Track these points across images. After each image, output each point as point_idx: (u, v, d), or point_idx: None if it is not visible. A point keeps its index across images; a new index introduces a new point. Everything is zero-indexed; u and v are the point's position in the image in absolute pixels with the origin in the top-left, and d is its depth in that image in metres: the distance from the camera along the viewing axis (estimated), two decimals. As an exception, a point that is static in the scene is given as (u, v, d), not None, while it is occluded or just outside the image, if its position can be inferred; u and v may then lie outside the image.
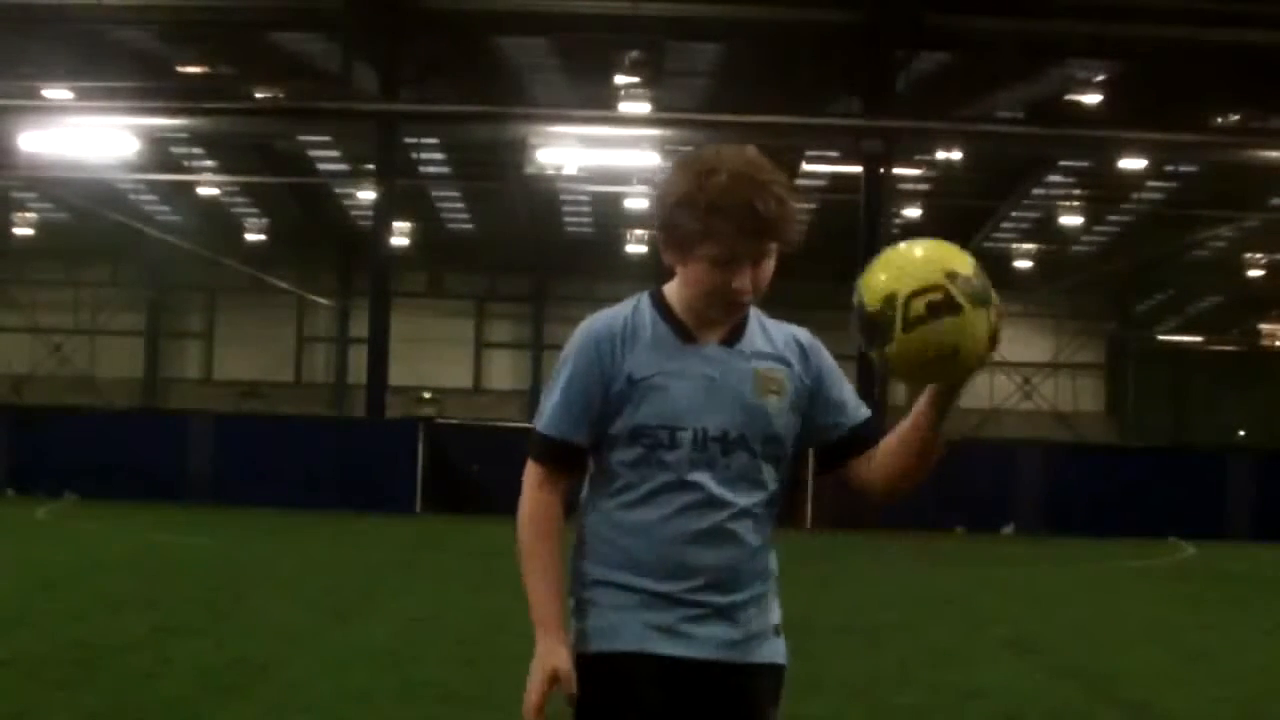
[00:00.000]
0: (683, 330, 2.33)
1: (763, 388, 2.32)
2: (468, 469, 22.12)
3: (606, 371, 2.30)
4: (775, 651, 2.36)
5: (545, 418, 2.33)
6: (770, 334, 2.40)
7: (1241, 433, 44.39)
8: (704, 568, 2.27)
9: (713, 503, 2.27)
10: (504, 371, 44.78)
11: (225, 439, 22.59)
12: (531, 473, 2.34)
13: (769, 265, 2.32)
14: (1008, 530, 21.98)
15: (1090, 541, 20.03)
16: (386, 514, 20.72)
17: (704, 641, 2.28)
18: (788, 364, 2.37)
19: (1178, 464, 24.57)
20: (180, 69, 25.75)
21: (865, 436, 2.40)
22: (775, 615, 2.38)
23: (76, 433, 22.66)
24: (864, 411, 2.43)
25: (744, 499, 2.30)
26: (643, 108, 24.88)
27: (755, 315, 2.40)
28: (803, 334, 2.44)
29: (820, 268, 38.33)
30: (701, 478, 2.27)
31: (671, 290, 2.37)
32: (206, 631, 8.35)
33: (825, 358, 2.42)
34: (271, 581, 11.53)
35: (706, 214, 2.24)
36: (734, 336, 2.35)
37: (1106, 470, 23.18)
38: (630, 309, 2.37)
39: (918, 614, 10.71)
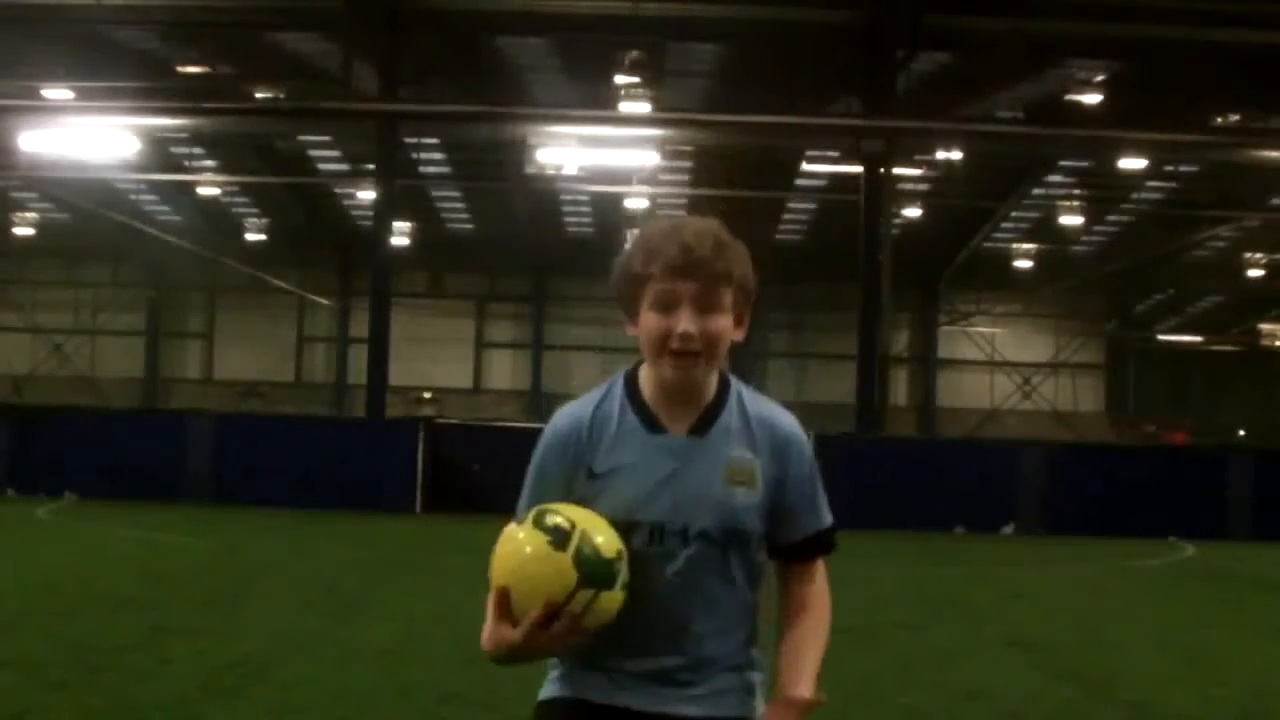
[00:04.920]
0: (650, 419, 2.28)
1: (731, 478, 2.25)
2: (468, 469, 22.11)
3: (567, 470, 2.28)
4: (742, 706, 2.29)
5: (518, 509, 2.34)
6: (749, 419, 2.30)
7: (1241, 433, 44.41)
8: (656, 660, 2.25)
9: (663, 599, 2.23)
10: (504, 371, 44.81)
11: (225, 439, 22.55)
12: None
13: (722, 319, 2.23)
14: (1008, 530, 21.97)
15: (1090, 541, 20.01)
16: (386, 514, 20.71)
17: (650, 696, 2.25)
18: (761, 454, 2.28)
19: (1178, 464, 24.54)
20: (180, 69, 25.75)
21: (802, 552, 2.34)
22: (745, 689, 2.31)
23: (76, 433, 22.62)
24: (812, 526, 2.33)
25: (703, 594, 2.25)
26: (643, 108, 24.86)
27: (735, 396, 2.32)
28: (784, 424, 2.32)
29: (820, 268, 38.63)
30: (655, 574, 2.23)
31: (645, 374, 2.32)
32: (206, 631, 8.35)
33: (798, 459, 2.31)
34: (271, 581, 11.53)
35: (644, 258, 2.24)
36: (705, 424, 2.28)
37: (1106, 470, 23.16)
38: (601, 396, 2.33)
39: (918, 614, 10.72)
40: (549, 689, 2.35)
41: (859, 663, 7.92)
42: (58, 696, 6.18)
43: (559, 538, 2.13)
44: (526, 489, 2.34)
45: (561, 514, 2.18)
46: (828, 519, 2.36)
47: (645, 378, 2.31)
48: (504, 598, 2.18)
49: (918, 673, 7.75)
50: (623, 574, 2.16)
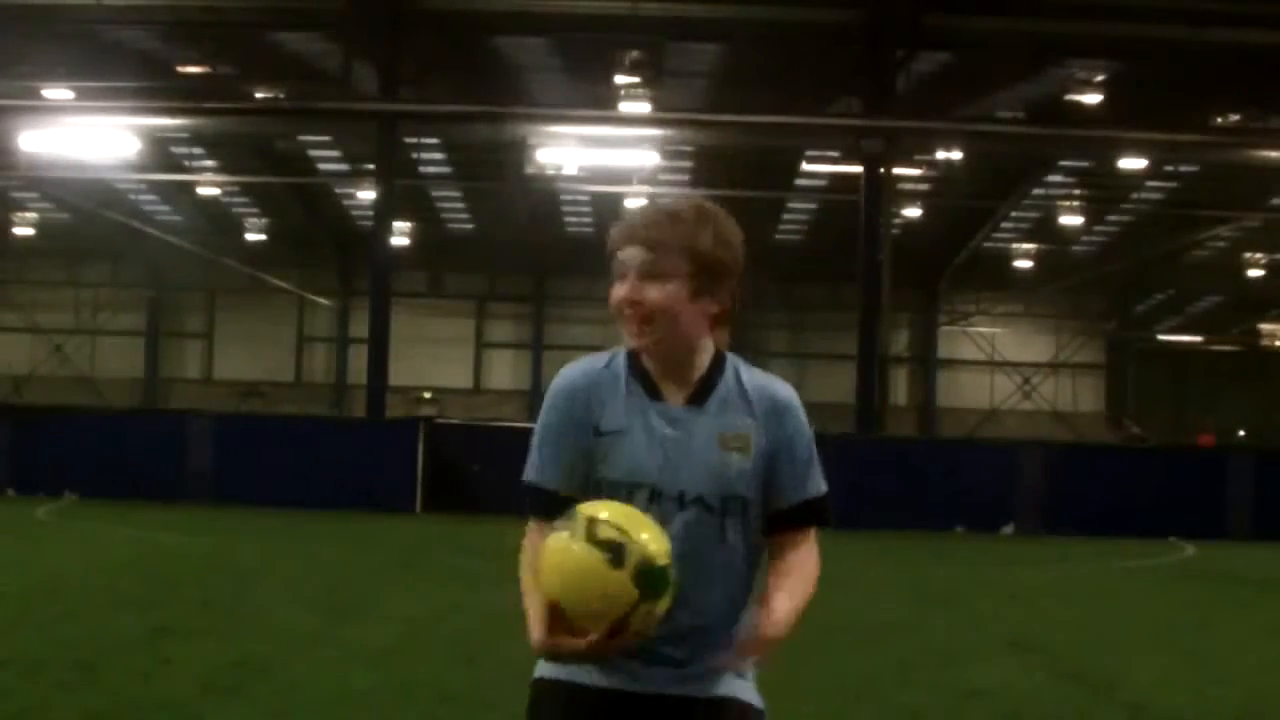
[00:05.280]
0: (650, 386, 2.33)
1: (725, 444, 2.30)
2: (468, 469, 22.12)
3: (578, 421, 2.32)
4: (732, 686, 2.31)
5: (527, 468, 2.37)
6: (745, 388, 2.35)
7: (1241, 433, 44.41)
8: (658, 636, 2.24)
9: None
10: (504, 371, 44.82)
11: (225, 439, 22.56)
12: (529, 524, 2.38)
13: (665, 287, 2.28)
14: (1008, 530, 21.97)
15: (1090, 541, 20.02)
16: (386, 514, 20.71)
17: (640, 676, 2.27)
18: (755, 421, 2.32)
19: (1178, 464, 24.55)
20: (180, 69, 25.76)
21: (793, 519, 2.36)
22: (735, 670, 2.32)
23: (76, 433, 22.63)
24: (804, 493, 2.35)
25: (699, 563, 2.26)
26: (643, 108, 24.88)
27: (732, 367, 2.37)
28: (781, 392, 2.37)
29: (820, 268, 38.64)
30: None
31: None
32: (206, 631, 8.35)
33: (793, 425, 2.35)
34: (271, 581, 11.53)
35: (612, 233, 2.38)
36: (702, 394, 2.33)
37: (1106, 470, 23.17)
38: (606, 360, 2.39)
39: (918, 614, 10.71)
40: (542, 668, 2.36)
41: (859, 663, 7.93)
42: (58, 696, 6.18)
43: (616, 555, 2.08)
44: (537, 444, 2.36)
45: (611, 524, 2.11)
46: (821, 488, 2.38)
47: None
48: (557, 609, 2.14)
49: (918, 673, 7.74)
50: (673, 574, 2.14)
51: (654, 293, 2.28)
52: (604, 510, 2.15)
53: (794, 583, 2.32)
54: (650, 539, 2.13)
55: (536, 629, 2.20)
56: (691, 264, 2.30)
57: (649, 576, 2.09)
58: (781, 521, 2.36)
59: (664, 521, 2.25)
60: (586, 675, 2.29)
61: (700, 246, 2.30)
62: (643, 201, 33.03)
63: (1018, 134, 27.39)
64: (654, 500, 2.27)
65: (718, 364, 2.36)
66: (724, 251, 2.32)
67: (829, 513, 2.39)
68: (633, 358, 2.37)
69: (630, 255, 2.30)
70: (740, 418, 2.32)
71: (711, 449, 2.30)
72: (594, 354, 2.42)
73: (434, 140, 31.14)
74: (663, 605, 2.13)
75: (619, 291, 2.31)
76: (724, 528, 2.30)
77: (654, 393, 2.33)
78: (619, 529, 2.11)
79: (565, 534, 2.12)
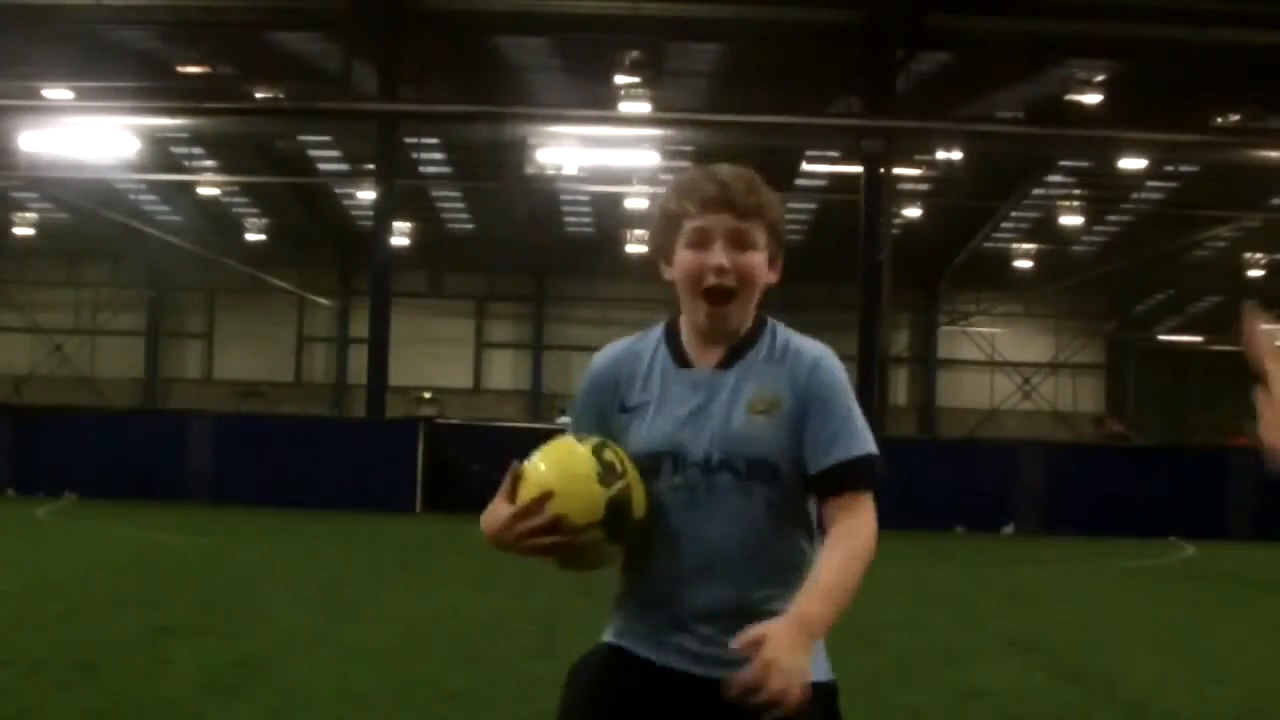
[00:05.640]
0: (680, 355, 2.32)
1: (752, 408, 2.24)
2: (468, 469, 22.10)
3: (606, 401, 2.35)
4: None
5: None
6: (778, 350, 2.31)
7: (1241, 433, 44.43)
8: (694, 608, 2.23)
9: (691, 535, 2.22)
10: (504, 371, 44.82)
11: (225, 439, 22.54)
12: None
13: (755, 257, 2.28)
14: (1008, 530, 21.97)
15: (1090, 541, 20.01)
16: (386, 514, 20.70)
17: (680, 653, 2.25)
18: (785, 382, 2.27)
19: (1178, 464, 24.53)
20: (180, 69, 25.76)
21: (835, 483, 2.23)
22: None
23: (76, 433, 22.62)
24: (836, 456, 2.22)
25: (731, 527, 2.22)
26: (643, 108, 24.88)
27: (770, 332, 2.34)
28: (812, 351, 2.31)
29: (820, 268, 38.64)
30: (681, 509, 2.23)
31: (684, 317, 2.36)
32: (206, 631, 8.35)
33: (823, 383, 2.26)
34: (271, 581, 11.52)
35: (678, 199, 2.31)
36: (734, 357, 2.30)
37: (1106, 470, 23.16)
38: (640, 336, 2.40)
39: (918, 614, 10.70)
40: (606, 632, 2.38)
41: (859, 663, 7.92)
42: (58, 696, 6.18)
43: (607, 475, 2.19)
44: (571, 424, 2.43)
45: (623, 461, 2.23)
46: (864, 448, 2.25)
47: (684, 320, 2.36)
48: (518, 481, 2.24)
49: (918, 673, 7.74)
50: (630, 542, 2.24)
51: (746, 261, 2.27)
52: (626, 456, 2.25)
53: (828, 575, 2.14)
54: (640, 496, 2.22)
55: (502, 496, 2.27)
56: (768, 233, 2.31)
57: (618, 510, 2.18)
58: (823, 487, 2.25)
59: (691, 490, 2.23)
60: (631, 643, 2.29)
61: (778, 216, 2.33)
62: (644, 203, 33.07)
63: (1018, 134, 27.39)
64: (678, 469, 2.24)
65: (757, 327, 2.35)
66: (783, 221, 2.37)
67: (876, 475, 2.25)
68: (670, 329, 2.37)
69: (721, 221, 2.26)
70: (768, 380, 2.27)
71: (736, 412, 2.25)
72: (634, 334, 2.42)
73: (434, 140, 31.14)
74: (608, 556, 2.24)
75: (710, 259, 2.25)
76: (752, 495, 2.22)
77: (682, 360, 2.32)
78: (625, 468, 2.22)
79: (576, 438, 2.27)
